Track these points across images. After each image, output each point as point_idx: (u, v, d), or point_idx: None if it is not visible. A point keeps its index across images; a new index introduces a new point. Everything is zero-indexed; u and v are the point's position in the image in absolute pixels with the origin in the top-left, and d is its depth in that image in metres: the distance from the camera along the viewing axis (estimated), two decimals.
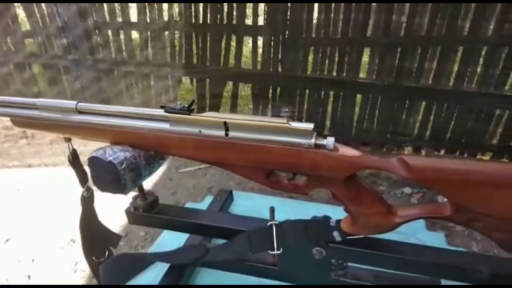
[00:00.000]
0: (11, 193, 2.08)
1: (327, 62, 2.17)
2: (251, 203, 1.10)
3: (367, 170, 0.55)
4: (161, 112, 0.61)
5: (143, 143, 0.65)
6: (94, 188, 0.73)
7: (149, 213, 0.77)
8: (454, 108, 2.04)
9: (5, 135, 2.79)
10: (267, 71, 2.29)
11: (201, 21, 2.34)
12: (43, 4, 2.50)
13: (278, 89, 2.35)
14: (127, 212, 0.79)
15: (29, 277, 1.49)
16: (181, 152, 0.64)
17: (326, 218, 0.65)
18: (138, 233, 1.70)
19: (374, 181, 2.04)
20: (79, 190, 0.77)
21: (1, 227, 1.76)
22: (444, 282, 0.70)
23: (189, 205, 1.18)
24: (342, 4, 1.99)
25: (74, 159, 0.75)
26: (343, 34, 2.06)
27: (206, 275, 0.86)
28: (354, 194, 0.58)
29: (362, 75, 2.16)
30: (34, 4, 2.52)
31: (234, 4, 2.21)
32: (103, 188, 0.65)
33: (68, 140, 0.73)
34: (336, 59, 2.14)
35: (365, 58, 2.11)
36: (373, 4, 1.94)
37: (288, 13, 2.08)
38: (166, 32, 2.45)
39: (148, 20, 2.42)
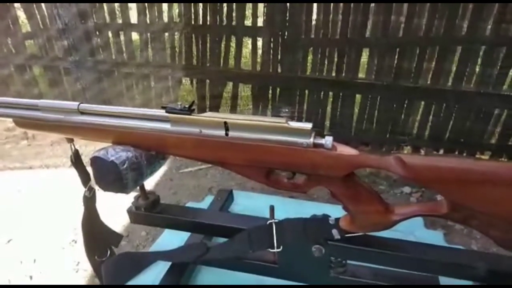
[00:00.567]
0: (13, 194, 2.09)
1: (326, 62, 2.18)
2: (251, 203, 1.10)
3: (367, 169, 0.56)
4: (162, 112, 0.62)
5: (145, 143, 0.65)
6: (96, 188, 0.74)
7: (151, 212, 0.78)
8: (453, 108, 2.05)
9: (6, 137, 2.80)
10: (267, 72, 2.30)
11: (201, 22, 2.35)
12: (43, 6, 2.51)
13: (278, 89, 2.36)
14: (129, 211, 0.79)
15: (31, 277, 1.50)
16: (182, 152, 0.65)
17: (325, 217, 0.66)
18: (139, 233, 1.71)
19: (373, 180, 2.05)
20: (80, 191, 0.78)
21: (3, 228, 1.77)
22: (442, 281, 0.71)
23: (189, 204, 1.19)
24: (341, 4, 2.00)
25: (76, 160, 0.76)
26: (342, 35, 2.07)
27: (207, 274, 0.86)
28: (352, 192, 0.59)
29: (361, 75, 2.17)
30: (34, 5, 2.53)
31: (234, 5, 2.22)
32: (105, 188, 0.65)
33: (71, 140, 0.74)
34: (335, 59, 2.15)
35: (364, 58, 2.12)
36: (372, 4, 1.95)
37: (287, 14, 2.09)
38: (166, 34, 2.47)
39: (148, 21, 2.43)
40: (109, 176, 0.63)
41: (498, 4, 1.75)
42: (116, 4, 2.49)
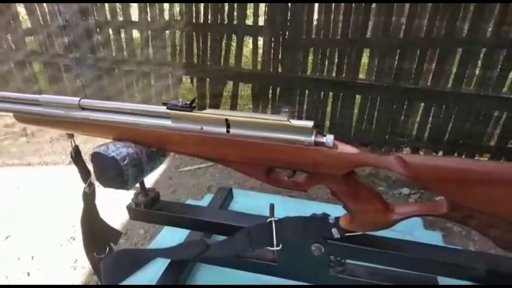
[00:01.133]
0: (11, 190, 2.08)
1: (326, 62, 2.18)
2: (251, 201, 1.11)
3: (366, 170, 0.56)
4: (163, 109, 0.62)
5: (145, 139, 0.65)
6: (96, 184, 0.74)
7: (150, 209, 0.78)
8: (453, 110, 2.05)
9: (5, 133, 2.79)
10: (267, 71, 2.30)
11: (201, 21, 2.35)
12: (44, 3, 2.50)
13: (278, 89, 2.36)
14: (129, 208, 0.79)
15: (28, 274, 1.50)
16: (182, 148, 0.65)
17: (325, 215, 0.66)
18: (138, 231, 1.71)
19: (372, 181, 2.05)
20: (79, 188, 0.77)
21: (1, 224, 1.77)
22: (441, 281, 0.71)
23: (189, 203, 1.18)
24: (342, 5, 2.00)
25: (76, 155, 0.76)
26: (343, 35, 2.07)
27: (206, 271, 0.86)
28: (353, 191, 0.59)
29: (361, 76, 2.17)
30: (35, 2, 2.53)
31: (235, 4, 2.22)
32: (106, 184, 0.65)
33: (71, 136, 0.74)
34: (336, 60, 2.15)
35: (365, 59, 2.12)
36: (373, 5, 1.95)
37: (289, 14, 2.09)
38: (167, 32, 2.46)
39: (149, 19, 2.43)
40: (109, 172, 0.63)
41: (499, 5, 1.75)
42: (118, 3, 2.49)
